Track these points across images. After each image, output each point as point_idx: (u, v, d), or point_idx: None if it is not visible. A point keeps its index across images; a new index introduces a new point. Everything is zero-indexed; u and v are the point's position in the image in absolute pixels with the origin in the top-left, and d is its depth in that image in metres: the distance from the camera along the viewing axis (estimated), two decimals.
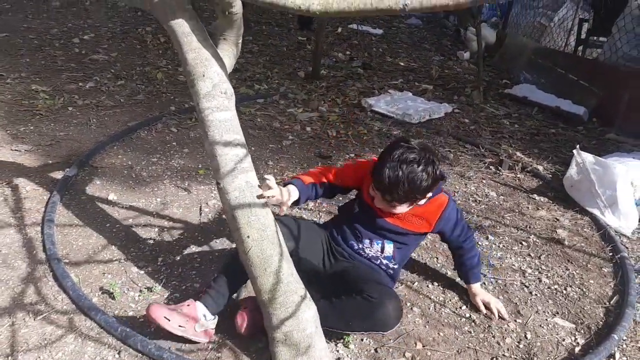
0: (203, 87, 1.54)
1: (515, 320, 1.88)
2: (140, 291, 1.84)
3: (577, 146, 2.85)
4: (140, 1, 1.55)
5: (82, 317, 1.67)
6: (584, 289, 2.10)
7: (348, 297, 1.62)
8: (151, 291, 1.84)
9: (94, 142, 3.00)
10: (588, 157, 2.74)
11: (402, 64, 5.87)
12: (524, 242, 2.41)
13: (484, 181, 3.04)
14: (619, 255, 2.31)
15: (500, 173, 3.15)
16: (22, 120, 3.21)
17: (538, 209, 2.74)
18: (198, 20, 1.57)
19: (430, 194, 1.70)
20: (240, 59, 5.11)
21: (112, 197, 2.44)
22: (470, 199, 2.81)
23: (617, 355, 1.72)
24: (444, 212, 1.79)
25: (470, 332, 1.80)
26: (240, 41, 1.83)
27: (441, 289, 2.03)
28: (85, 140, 3.04)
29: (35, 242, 2.03)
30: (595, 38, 5.48)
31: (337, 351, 1.65)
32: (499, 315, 1.87)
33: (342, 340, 1.69)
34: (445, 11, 8.59)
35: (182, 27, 1.53)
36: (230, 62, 1.74)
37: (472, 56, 6.42)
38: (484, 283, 2.07)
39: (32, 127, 3.12)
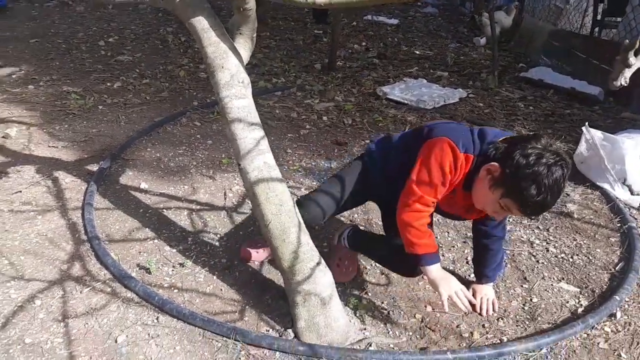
0: (222, 78, 1.70)
1: (522, 286, 2.00)
2: (173, 267, 2.02)
3: (586, 123, 2.92)
4: (163, 3, 1.71)
5: (123, 289, 1.86)
6: (591, 257, 2.20)
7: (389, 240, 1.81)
8: (183, 266, 2.02)
9: (125, 137, 3.21)
10: (597, 134, 2.82)
11: (417, 52, 5.95)
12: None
13: None
14: (626, 225, 2.40)
15: None
16: (57, 120, 3.43)
17: None
18: (216, 17, 1.73)
19: None
20: (258, 54, 5.29)
21: (143, 185, 2.64)
22: None
23: (619, 315, 1.82)
24: None
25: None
26: (255, 35, 1.98)
27: (451, 259, 2.15)
28: (116, 135, 3.24)
29: (77, 226, 2.23)
30: (612, 18, 5.46)
31: (353, 313, 1.80)
32: (486, 309, 1.82)
33: (356, 304, 1.84)
34: None
35: (201, 23, 1.69)
36: (246, 54, 1.89)
37: (488, 42, 6.44)
38: None
39: (66, 126, 3.34)
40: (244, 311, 1.79)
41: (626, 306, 1.88)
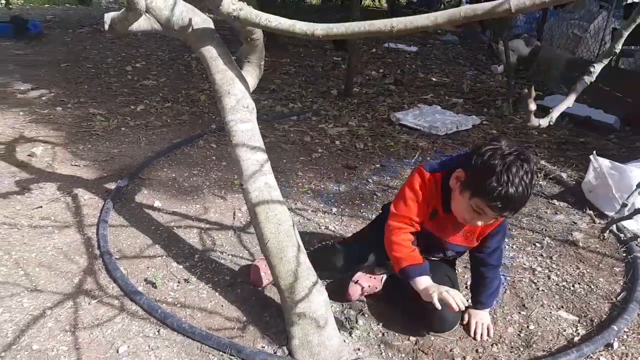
0: (228, 103, 1.80)
1: (520, 312, 2.01)
2: (179, 282, 2.10)
3: (594, 152, 2.93)
4: (176, 33, 1.83)
5: (129, 302, 1.94)
6: (592, 286, 2.19)
7: (412, 297, 1.74)
8: (188, 282, 2.09)
9: (143, 157, 3.34)
10: (605, 162, 2.82)
11: (434, 79, 6.03)
12: (537, 244, 2.52)
13: None
14: (632, 255, 2.38)
15: None
16: (81, 140, 3.60)
17: (556, 213, 2.84)
18: (224, 46, 1.84)
19: None
20: (277, 79, 5.45)
21: (157, 204, 2.74)
22: None
23: (616, 345, 1.81)
24: (501, 224, 1.77)
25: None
26: (263, 63, 2.09)
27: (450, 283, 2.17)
28: (136, 156, 3.38)
29: (92, 241, 2.33)
30: (629, 47, 5.46)
31: (349, 334, 1.84)
32: (480, 333, 1.85)
33: (352, 324, 1.87)
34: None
35: (210, 52, 1.80)
36: (253, 81, 2.00)
37: (505, 69, 6.49)
38: None
39: (89, 146, 3.50)
40: (244, 328, 1.85)
41: (625, 337, 1.87)
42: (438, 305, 1.62)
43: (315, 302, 1.71)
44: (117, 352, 1.70)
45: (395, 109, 4.70)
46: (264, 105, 4.65)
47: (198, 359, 1.70)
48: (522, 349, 1.81)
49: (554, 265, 2.34)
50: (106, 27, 1.73)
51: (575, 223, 2.73)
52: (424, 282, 1.69)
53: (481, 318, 1.89)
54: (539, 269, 2.31)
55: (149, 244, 2.36)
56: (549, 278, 2.24)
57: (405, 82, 5.76)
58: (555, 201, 2.98)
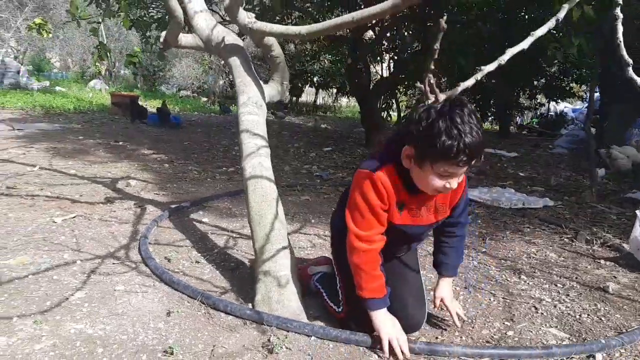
0: (242, 99, 2.19)
1: (504, 323, 1.90)
2: (191, 262, 2.37)
3: None
4: (213, 48, 2.33)
5: (143, 266, 2.25)
6: (604, 319, 1.99)
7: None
8: (198, 263, 2.36)
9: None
10: None
11: (522, 174, 5.93)
12: (559, 284, 2.35)
13: (550, 247, 2.99)
14: None
15: (573, 244, 3.06)
16: (171, 182, 4.23)
17: (598, 269, 2.62)
18: (248, 59, 2.28)
19: None
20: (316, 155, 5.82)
21: (205, 219, 3.12)
22: (524, 255, 2.81)
23: (599, 357, 1.64)
24: (465, 189, 1.72)
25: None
26: (286, 83, 2.48)
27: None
28: (208, 194, 3.88)
29: (139, 233, 2.74)
30: None
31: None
32: (455, 317, 1.82)
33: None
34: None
35: (235, 62, 2.25)
36: (272, 92, 2.38)
37: (588, 157, 6.14)
38: (492, 294, 2.12)
39: (175, 185, 4.10)
40: (224, 292, 2.03)
41: (616, 354, 1.68)
42: (387, 351, 1.61)
43: (280, 263, 1.87)
44: (114, 289, 1.99)
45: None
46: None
47: (174, 302, 1.91)
48: (486, 344, 1.71)
49: (567, 300, 2.17)
50: (161, 39, 2.28)
51: (615, 277, 2.50)
52: (380, 315, 1.65)
53: (452, 303, 1.85)
54: (549, 300, 2.16)
55: (181, 239, 2.70)
56: (555, 307, 2.08)
57: (489, 173, 5.76)
58: (602, 261, 2.75)
